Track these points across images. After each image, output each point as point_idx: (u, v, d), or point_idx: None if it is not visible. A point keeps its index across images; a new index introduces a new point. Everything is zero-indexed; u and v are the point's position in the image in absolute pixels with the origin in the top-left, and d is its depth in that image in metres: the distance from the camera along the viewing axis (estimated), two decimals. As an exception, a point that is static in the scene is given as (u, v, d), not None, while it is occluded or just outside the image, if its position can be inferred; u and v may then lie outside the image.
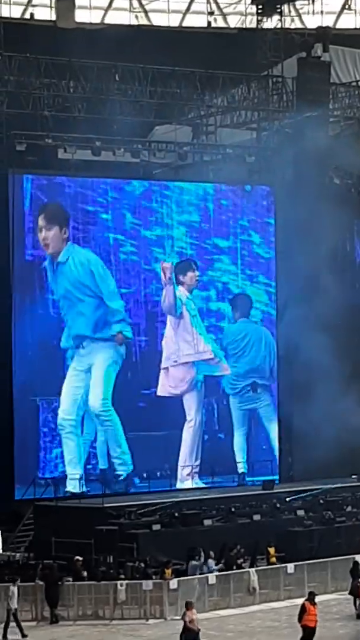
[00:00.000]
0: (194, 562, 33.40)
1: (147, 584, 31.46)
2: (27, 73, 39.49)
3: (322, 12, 51.73)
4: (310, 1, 49.88)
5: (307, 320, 40.87)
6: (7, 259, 39.04)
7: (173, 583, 31.83)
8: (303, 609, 27.05)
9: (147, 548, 34.10)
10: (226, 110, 44.36)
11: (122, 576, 32.19)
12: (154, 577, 32.05)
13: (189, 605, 26.57)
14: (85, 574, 32.35)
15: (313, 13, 51.06)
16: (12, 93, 39.08)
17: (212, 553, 34.08)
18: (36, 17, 50.01)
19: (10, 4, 48.29)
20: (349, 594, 31.50)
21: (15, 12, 48.72)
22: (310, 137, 42.90)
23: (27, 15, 49.86)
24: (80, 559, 32.82)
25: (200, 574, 32.63)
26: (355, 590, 31.12)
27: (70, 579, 31.70)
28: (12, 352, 39.54)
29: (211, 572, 32.99)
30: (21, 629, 29.03)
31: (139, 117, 41.97)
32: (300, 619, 27.08)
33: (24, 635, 28.81)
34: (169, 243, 42.79)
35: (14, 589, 29.56)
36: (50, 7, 50.17)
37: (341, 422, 40.11)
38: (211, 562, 33.73)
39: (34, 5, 50.21)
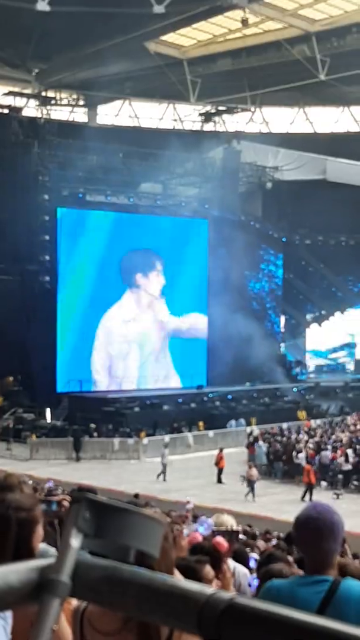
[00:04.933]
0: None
1: (131, 440, 31.68)
2: (71, 150, 39.03)
3: (237, 122, 51.37)
4: (231, 115, 49.60)
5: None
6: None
7: (145, 440, 32.05)
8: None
9: (131, 420, 34.31)
10: (181, 176, 44.00)
11: (117, 435, 32.46)
12: (134, 436, 32.32)
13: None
14: (96, 434, 32.52)
15: (232, 122, 50.80)
16: (62, 162, 38.62)
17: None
18: (76, 119, 49.32)
19: (61, 111, 47.66)
20: (246, 447, 31.59)
21: (64, 116, 48.03)
22: (227, 192, 42.66)
23: (71, 118, 49.17)
24: (94, 425, 33.00)
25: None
26: (248, 446, 31.28)
27: (87, 436, 31.89)
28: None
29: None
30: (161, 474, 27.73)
31: (133, 178, 41.48)
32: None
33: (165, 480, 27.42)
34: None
35: (165, 450, 28.36)
36: (84, 113, 49.68)
37: (243, 351, 39.63)
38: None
39: (74, 113, 49.48)
